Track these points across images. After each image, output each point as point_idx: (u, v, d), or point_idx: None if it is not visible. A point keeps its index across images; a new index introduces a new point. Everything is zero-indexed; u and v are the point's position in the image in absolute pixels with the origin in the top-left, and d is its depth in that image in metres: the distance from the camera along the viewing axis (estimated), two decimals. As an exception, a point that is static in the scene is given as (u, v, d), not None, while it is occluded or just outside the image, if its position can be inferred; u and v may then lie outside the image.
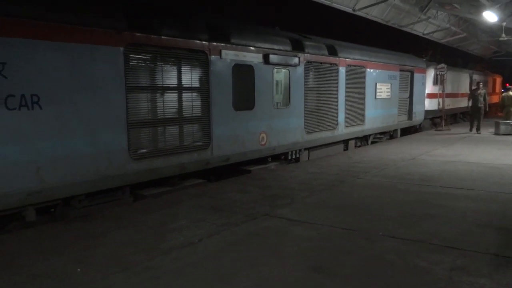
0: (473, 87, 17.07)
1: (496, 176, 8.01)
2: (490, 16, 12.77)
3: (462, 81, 23.39)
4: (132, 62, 6.67)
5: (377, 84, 13.60)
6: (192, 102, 7.67)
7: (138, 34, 6.60)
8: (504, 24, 13.52)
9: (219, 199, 6.63)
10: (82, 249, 4.55)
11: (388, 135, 15.50)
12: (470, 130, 16.49)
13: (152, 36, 6.81)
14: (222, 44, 8.04)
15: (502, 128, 15.48)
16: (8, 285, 3.73)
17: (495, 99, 28.27)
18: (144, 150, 6.86)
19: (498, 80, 31.96)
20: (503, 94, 19.40)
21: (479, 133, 15.63)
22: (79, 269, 4.02)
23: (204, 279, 3.81)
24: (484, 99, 16.13)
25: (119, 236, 4.97)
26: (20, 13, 5.25)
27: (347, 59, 11.93)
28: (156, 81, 7.10)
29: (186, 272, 3.96)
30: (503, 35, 14.78)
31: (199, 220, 5.53)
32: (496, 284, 3.61)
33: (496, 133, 15.56)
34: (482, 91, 16.13)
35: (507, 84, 26.47)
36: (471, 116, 16.74)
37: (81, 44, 5.84)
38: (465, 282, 3.66)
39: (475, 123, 16.15)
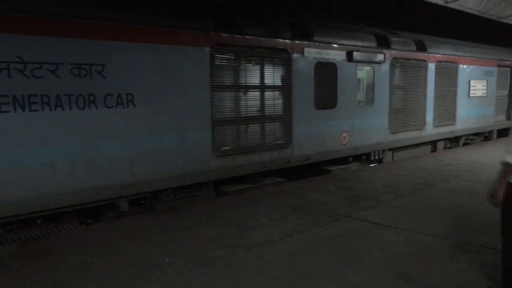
0: None
1: None
2: None
3: None
4: (217, 61, 6.87)
5: (471, 81, 12.59)
6: (274, 101, 7.70)
7: (223, 35, 6.78)
8: None
9: (299, 198, 6.57)
10: (169, 241, 4.78)
11: (483, 136, 14.27)
12: None
13: (236, 36, 6.96)
14: (305, 42, 7.96)
15: None
16: (105, 270, 4.03)
17: None
18: (226, 148, 7.03)
19: None
20: None
21: None
22: (167, 260, 4.22)
23: (285, 278, 3.79)
24: None
25: (202, 230, 5.14)
26: (113, 17, 5.64)
27: (437, 55, 11.19)
28: (239, 80, 7.24)
29: (267, 269, 3.97)
30: None
31: (280, 218, 5.52)
32: None
33: None
34: None
35: None
36: None
37: (170, 46, 6.14)
38: None
39: None
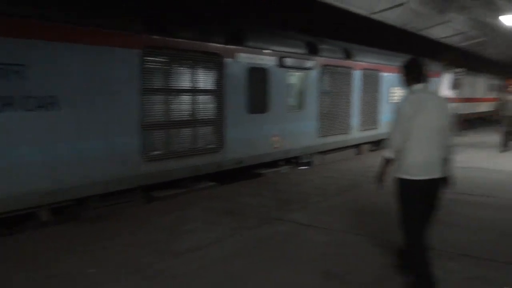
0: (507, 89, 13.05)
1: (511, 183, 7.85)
2: (508, 20, 12.55)
3: (479, 85, 23.05)
4: (148, 64, 6.72)
5: (391, 88, 13.48)
6: (206, 105, 7.68)
7: (155, 37, 6.65)
8: (523, 28, 13.27)
9: (231, 202, 6.62)
10: (95, 250, 4.58)
11: (403, 139, 15.30)
12: (505, 146, 12.31)
13: (168, 39, 6.85)
14: (237, 47, 8.04)
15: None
16: (25, 285, 3.77)
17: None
18: (157, 152, 6.89)
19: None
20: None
21: (507, 149, 12.19)
22: (92, 270, 4.05)
23: (216, 283, 3.80)
24: None
25: (132, 238, 4.99)
26: (34, 15, 5.31)
27: (362, 63, 11.85)
28: (171, 83, 7.13)
29: (198, 275, 3.95)
30: (522, 39, 14.50)
31: (212, 223, 5.52)
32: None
33: None
34: None
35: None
36: (503, 127, 12.48)
37: (98, 46, 5.90)
38: (483, 292, 3.58)
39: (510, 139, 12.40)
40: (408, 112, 3.45)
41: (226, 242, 4.82)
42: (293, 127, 9.55)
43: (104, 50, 5.97)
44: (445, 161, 3.58)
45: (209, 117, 7.73)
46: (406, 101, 3.54)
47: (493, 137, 16.47)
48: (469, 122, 22.44)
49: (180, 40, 7.03)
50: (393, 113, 3.63)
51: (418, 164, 3.45)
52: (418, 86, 3.60)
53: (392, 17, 14.21)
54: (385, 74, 13.06)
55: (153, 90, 6.80)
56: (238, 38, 8.15)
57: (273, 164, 9.52)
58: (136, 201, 6.73)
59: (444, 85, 17.94)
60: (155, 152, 6.89)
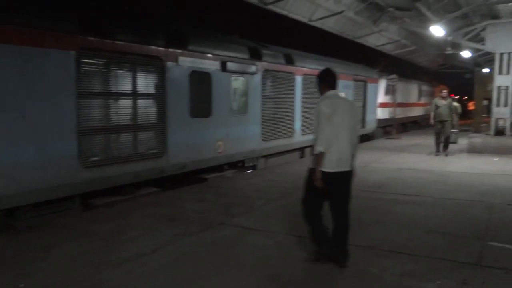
0: (439, 96, 12.78)
1: (441, 183, 8.41)
2: (437, 31, 13.47)
3: (411, 91, 24.53)
4: (85, 66, 6.46)
5: (332, 93, 13.93)
6: (147, 109, 7.52)
7: (91, 38, 6.40)
8: (449, 38, 14.28)
9: (174, 208, 6.51)
10: (27, 263, 4.31)
11: (343, 142, 15.86)
12: (436, 152, 12.58)
13: (106, 40, 6.63)
14: (179, 51, 7.95)
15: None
16: None
17: (442, 109, 29.73)
18: (96, 158, 6.63)
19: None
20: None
21: (447, 155, 12.38)
22: (22, 285, 3.80)
23: (157, 292, 3.72)
24: (451, 111, 12.49)
25: (67, 248, 4.75)
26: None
27: (304, 68, 12.16)
28: (110, 87, 6.91)
29: (138, 285, 3.85)
30: (449, 48, 15.64)
31: (153, 230, 5.40)
32: (442, 287, 3.77)
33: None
34: (447, 100, 12.43)
35: (452, 95, 27.99)
36: (435, 132, 12.64)
37: (30, 47, 5.58)
38: (414, 287, 3.80)
39: (442, 142, 12.56)
40: (328, 113, 4.03)
41: (168, 249, 4.73)
42: (237, 131, 9.60)
43: (35, 51, 5.65)
44: (353, 156, 4.20)
45: (151, 121, 7.57)
46: (323, 104, 4.11)
47: (426, 139, 17.59)
48: (403, 126, 23.78)
49: (119, 42, 6.83)
50: (314, 116, 4.12)
51: (333, 159, 4.02)
52: (331, 92, 4.22)
53: (330, 25, 14.76)
54: (326, 79, 13.47)
55: (90, 94, 6.54)
56: (180, 42, 8.07)
57: (218, 168, 9.51)
58: (74, 209, 6.44)
59: (380, 90, 18.89)
60: (94, 158, 6.63)
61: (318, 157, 4.01)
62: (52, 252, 4.64)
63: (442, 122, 12.35)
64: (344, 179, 4.12)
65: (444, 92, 12.55)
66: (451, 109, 12.41)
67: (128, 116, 7.23)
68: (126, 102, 7.20)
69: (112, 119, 6.94)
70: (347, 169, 4.10)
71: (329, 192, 4.12)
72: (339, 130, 4.04)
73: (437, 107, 12.35)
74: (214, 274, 4.08)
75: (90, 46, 6.42)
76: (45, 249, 4.72)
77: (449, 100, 12.47)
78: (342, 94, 14.33)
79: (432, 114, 12.57)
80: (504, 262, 4.30)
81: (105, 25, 6.78)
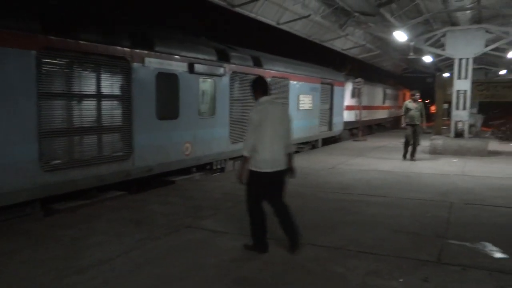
0: (409, 99, 12.50)
1: (405, 184, 8.67)
2: (400, 36, 13.89)
3: (377, 94, 25.17)
4: (47, 67, 6.26)
5: (300, 96, 14.13)
6: (112, 111, 7.36)
7: (54, 38, 6.21)
8: (412, 43, 14.76)
9: (140, 212, 6.39)
10: (-18, 272, 4.12)
11: (310, 145, 16.11)
12: (404, 156, 12.26)
13: (70, 40, 6.45)
14: (145, 52, 7.84)
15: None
16: None
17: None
18: (58, 161, 6.43)
19: (408, 94, 34.84)
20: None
21: (414, 160, 12.02)
22: (-23, 295, 3.63)
23: (121, 298, 3.64)
24: (422, 114, 12.01)
25: (28, 255, 4.57)
26: None
27: (272, 71, 12.24)
28: (73, 88, 6.72)
29: (102, 291, 3.75)
30: (411, 53, 16.14)
31: (118, 234, 5.27)
32: (405, 285, 3.88)
33: (406, 143, 16.83)
34: (418, 103, 12.06)
35: (410, 99, 28.93)
36: (406, 136, 12.10)
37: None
38: (378, 285, 3.88)
39: (410, 146, 12.12)
40: (257, 120, 4.39)
41: (133, 254, 4.63)
42: (205, 134, 9.54)
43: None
44: (287, 156, 4.63)
45: (116, 123, 7.41)
46: (255, 111, 4.46)
47: (391, 141, 18.08)
48: (369, 128, 24.36)
49: (83, 42, 6.65)
50: (248, 120, 4.51)
51: (266, 160, 4.42)
52: (265, 98, 4.58)
53: (298, 28, 14.94)
54: (294, 82, 13.65)
55: (52, 95, 6.34)
56: (146, 43, 7.95)
57: (186, 171, 9.41)
58: (34, 214, 6.21)
59: (346, 93, 19.28)
60: (56, 161, 6.42)
61: (245, 160, 4.48)
62: (12, 259, 4.45)
63: (413, 125, 11.97)
64: (280, 177, 4.58)
65: (417, 95, 12.20)
66: (422, 112, 12.02)
67: (93, 118, 7.06)
68: (90, 104, 7.03)
69: (76, 121, 6.75)
70: (282, 168, 4.55)
71: (268, 189, 4.58)
72: (272, 134, 4.41)
73: (408, 110, 12.03)
74: (180, 278, 4.03)
75: (52, 46, 6.22)
76: (5, 256, 4.53)
77: (420, 103, 12.13)
78: (308, 98, 14.58)
79: (403, 118, 12.25)
80: (462, 259, 4.47)
81: (68, 24, 6.60)
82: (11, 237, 5.19)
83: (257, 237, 4.69)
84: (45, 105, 6.18)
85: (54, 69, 6.54)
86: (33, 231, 5.42)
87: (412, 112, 11.91)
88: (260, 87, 4.64)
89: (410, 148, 12.13)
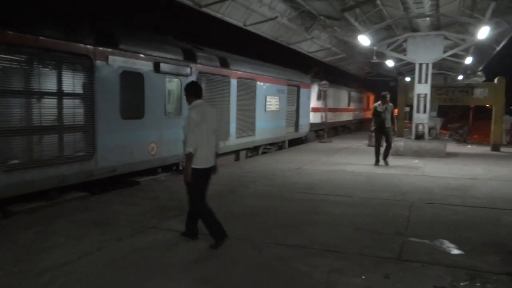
0: (377, 102, 11.74)
1: (368, 184, 8.89)
2: (364, 40, 14.24)
3: (342, 97, 25.67)
4: (2, 63, 6.00)
5: (267, 97, 14.21)
6: (74, 109, 7.15)
7: (10, 33, 5.96)
8: (375, 48, 15.16)
9: (103, 213, 6.23)
10: None
11: (277, 146, 16.23)
12: (376, 162, 11.55)
13: (28, 36, 6.21)
14: (109, 50, 7.66)
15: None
16: None
17: (369, 114, 31.53)
18: (14, 161, 6.17)
19: (372, 97, 35.77)
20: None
21: (387, 164, 11.45)
22: None
23: (82, 301, 3.53)
24: (392, 117, 11.47)
25: (-19, 259, 4.36)
26: None
27: (239, 72, 12.26)
28: (32, 85, 6.47)
29: (61, 294, 3.63)
30: (374, 57, 16.58)
31: (79, 236, 5.12)
32: (367, 282, 3.98)
33: (369, 145, 17.27)
34: (388, 105, 11.38)
35: (379, 102, 29.72)
36: (376, 140, 11.61)
37: None
38: (341, 282, 3.96)
39: (381, 150, 11.54)
40: (197, 120, 4.71)
41: (95, 256, 4.51)
42: (171, 134, 9.41)
43: None
44: (215, 154, 5.05)
45: (78, 122, 7.20)
46: (195, 112, 4.78)
47: (355, 143, 18.49)
48: (335, 130, 24.82)
49: (43, 38, 6.42)
50: (185, 122, 4.78)
51: (203, 158, 4.80)
52: (198, 101, 4.93)
53: (265, 30, 15.04)
54: (261, 83, 13.72)
55: (8, 92, 6.08)
56: (110, 40, 7.77)
57: (151, 171, 9.26)
58: (-11, 217, 5.93)
59: (312, 96, 19.55)
60: (13, 161, 6.16)
61: (188, 157, 4.71)
62: (-37, 263, 4.23)
63: (385, 129, 11.25)
64: (208, 173, 5.01)
65: (388, 96, 11.37)
66: (393, 114, 11.42)
67: (53, 117, 6.82)
68: (50, 102, 6.79)
69: (34, 119, 6.51)
70: (211, 165, 4.98)
71: (207, 183, 5.03)
72: (208, 133, 4.84)
73: (378, 113, 11.28)
74: (145, 279, 3.96)
75: (9, 41, 5.97)
76: (-46, 260, 4.30)
77: (391, 104, 11.44)
78: (275, 99, 14.69)
79: (372, 122, 11.56)
80: (422, 256, 4.64)
81: (27, 19, 6.35)
82: (-37, 240, 4.94)
83: (217, 232, 4.88)
84: (1, 102, 5.92)
85: (12, 66, 6.28)
86: (-12, 234, 5.17)
87: (383, 115, 11.19)
88: (194, 90, 4.98)
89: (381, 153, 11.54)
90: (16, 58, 6.31)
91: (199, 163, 4.77)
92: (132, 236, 5.17)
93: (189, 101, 4.96)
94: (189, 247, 4.86)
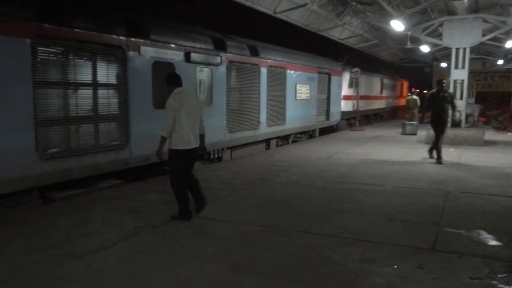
0: (434, 89, 10.34)
1: (401, 173, 8.71)
2: (397, 25, 13.83)
3: (374, 84, 25.13)
4: (41, 55, 6.22)
5: (297, 85, 14.09)
6: (108, 100, 7.33)
7: (47, 26, 6.15)
8: (409, 33, 14.70)
9: (137, 200, 6.41)
10: (-21, 259, 4.13)
11: (308, 134, 16.12)
12: (432, 154, 10.20)
13: (64, 28, 6.39)
14: (141, 40, 7.78)
15: (408, 128, 16.87)
16: None
17: (403, 101, 30.78)
18: (55, 150, 6.42)
19: (405, 84, 34.82)
20: (408, 98, 21.15)
21: (440, 162, 9.73)
22: (-25, 281, 3.65)
23: (118, 284, 3.66)
24: (453, 106, 10.12)
25: (25, 242, 4.59)
26: None
27: (269, 60, 12.20)
28: (69, 76, 6.68)
29: (98, 277, 3.77)
30: (408, 43, 16.09)
31: (115, 223, 5.29)
32: (399, 271, 3.92)
33: (403, 133, 16.90)
34: (447, 94, 10.04)
35: (413, 88, 28.96)
36: (436, 132, 9.92)
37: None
38: (373, 271, 3.92)
39: (440, 145, 9.90)
40: (174, 106, 5.17)
41: (130, 242, 4.66)
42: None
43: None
44: (200, 136, 5.54)
45: (112, 112, 7.39)
46: (173, 99, 5.25)
47: (388, 131, 18.14)
48: (367, 118, 24.37)
49: (77, 30, 6.59)
50: (167, 107, 5.23)
51: (183, 139, 5.26)
52: (178, 89, 5.38)
53: (295, 18, 14.85)
54: (291, 71, 13.60)
55: (47, 84, 6.31)
56: (142, 31, 7.89)
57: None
58: (32, 203, 6.21)
59: (343, 83, 19.24)
60: (52, 150, 6.41)
61: (162, 139, 5.29)
62: (9, 246, 4.47)
63: (441, 120, 9.86)
64: (194, 153, 5.48)
65: (445, 82, 10.21)
66: (454, 102, 10.18)
67: (89, 107, 7.03)
68: (86, 92, 7.00)
69: (72, 109, 6.73)
70: (197, 145, 5.48)
71: (186, 164, 5.44)
72: (187, 117, 5.22)
73: (434, 99, 9.83)
74: (177, 265, 4.06)
75: (47, 34, 6.17)
76: (2, 243, 4.54)
77: (450, 91, 10.91)
78: (305, 88, 14.53)
79: (423, 111, 10.34)
80: (458, 247, 4.52)
81: (62, 12, 6.53)
82: (10, 225, 5.21)
83: (183, 207, 5.40)
84: (40, 93, 6.15)
85: (50, 57, 6.49)
86: (32, 219, 5.43)
87: (439, 104, 9.75)
88: (174, 80, 5.47)
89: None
90: (53, 50, 6.52)
91: (178, 145, 5.25)
92: (166, 223, 5.29)
93: (171, 90, 5.42)
94: (222, 235, 4.92)
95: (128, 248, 4.47)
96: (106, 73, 7.28)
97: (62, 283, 3.65)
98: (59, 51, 6.59)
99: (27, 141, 5.92)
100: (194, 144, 5.41)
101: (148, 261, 4.13)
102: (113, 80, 7.39)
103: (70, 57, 6.73)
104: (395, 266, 4.03)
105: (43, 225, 5.17)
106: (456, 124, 13.75)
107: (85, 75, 6.97)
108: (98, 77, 7.13)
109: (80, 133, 6.89)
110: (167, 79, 5.52)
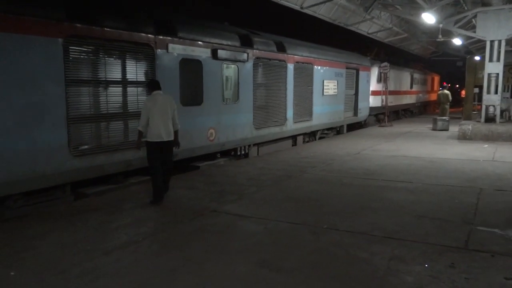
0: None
1: (432, 169, 8.48)
2: (428, 18, 13.44)
3: (404, 79, 24.57)
4: (73, 54, 6.38)
5: (324, 81, 13.93)
6: (137, 97, 7.45)
7: (79, 25, 6.31)
8: (441, 25, 14.25)
9: (165, 196, 6.49)
10: (17, 252, 4.30)
11: (335, 130, 15.94)
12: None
13: (94, 27, 6.54)
14: (169, 38, 7.87)
15: (439, 124, 16.42)
16: None
17: (434, 96, 29.98)
18: (86, 147, 6.59)
19: (436, 78, 33.89)
20: (439, 92, 20.56)
21: None
22: (12, 273, 3.79)
23: (145, 278, 3.72)
24: None
25: (57, 237, 4.74)
26: None
27: (295, 56, 12.11)
28: (99, 75, 6.82)
29: (129, 271, 3.85)
30: (440, 36, 15.59)
31: (144, 218, 5.39)
32: (430, 271, 3.82)
33: (434, 129, 16.47)
34: None
35: (444, 83, 28.12)
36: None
37: (14, 34, 5.48)
38: (402, 270, 3.84)
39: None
40: (148, 105, 6.10)
41: (158, 237, 4.74)
42: (228, 120, 9.56)
43: (22, 38, 5.55)
44: (174, 132, 6.37)
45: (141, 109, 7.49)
46: (148, 100, 6.21)
47: (418, 127, 17.71)
48: (396, 114, 23.86)
49: (107, 29, 6.73)
50: (142, 106, 6.19)
51: (155, 134, 6.11)
52: (156, 92, 6.26)
53: (322, 12, 14.67)
54: (319, 67, 13.46)
55: (79, 82, 6.47)
56: (170, 29, 7.98)
57: (210, 156, 9.49)
58: (64, 198, 6.41)
59: (372, 78, 18.89)
60: (84, 147, 6.58)
61: (139, 134, 6.18)
62: (43, 240, 4.62)
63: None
64: (169, 145, 6.31)
65: None
66: None
67: (118, 104, 7.17)
68: (116, 90, 7.13)
69: (102, 107, 6.88)
70: (170, 139, 6.28)
71: (160, 154, 6.19)
72: (159, 115, 6.09)
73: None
74: (205, 260, 4.09)
75: (78, 34, 6.32)
76: (36, 237, 4.71)
77: None
78: (333, 83, 14.35)
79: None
80: (491, 246, 4.36)
81: (92, 12, 6.68)
82: (43, 219, 5.39)
83: (155, 193, 6.12)
84: (72, 91, 6.31)
85: (81, 56, 6.66)
86: (64, 214, 5.61)
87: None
88: (153, 85, 6.37)
89: None
90: (84, 49, 6.68)
91: (150, 138, 6.12)
92: (193, 219, 5.35)
93: (149, 92, 6.36)
94: (249, 231, 4.94)
95: (157, 243, 4.55)
96: (135, 71, 7.41)
97: (94, 276, 3.75)
98: (90, 50, 6.74)
99: (60, 138, 6.09)
100: (166, 138, 6.18)
101: (176, 256, 4.19)
102: (141, 78, 7.51)
103: (101, 56, 6.88)
104: (426, 265, 3.93)
105: (75, 220, 5.32)
106: (490, 120, 13.28)
107: (115, 73, 7.11)
108: (127, 75, 7.26)
109: (110, 130, 7.04)
110: (148, 84, 6.58)
